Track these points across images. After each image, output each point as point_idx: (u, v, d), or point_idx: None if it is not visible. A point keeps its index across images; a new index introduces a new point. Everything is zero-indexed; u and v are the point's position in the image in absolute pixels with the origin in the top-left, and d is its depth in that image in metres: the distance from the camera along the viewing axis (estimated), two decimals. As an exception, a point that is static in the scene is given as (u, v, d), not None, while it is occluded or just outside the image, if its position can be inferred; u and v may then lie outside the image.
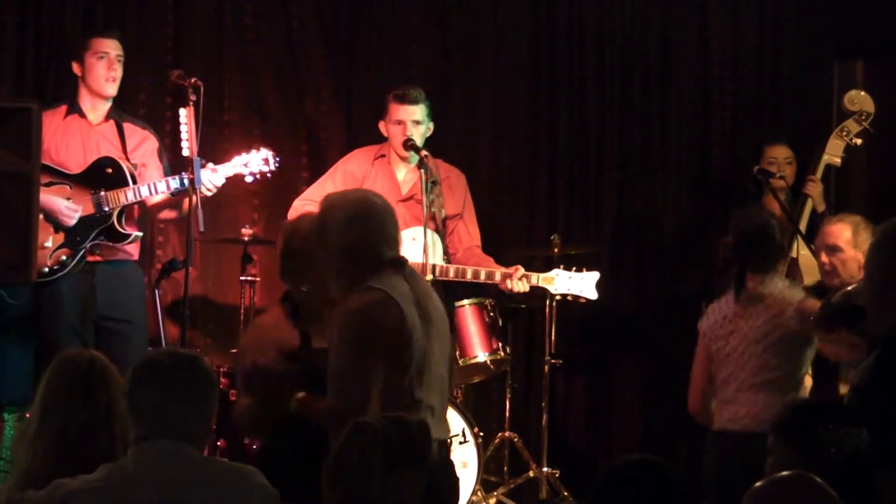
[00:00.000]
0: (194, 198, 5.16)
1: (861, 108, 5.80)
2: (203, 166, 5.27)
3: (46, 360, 3.19)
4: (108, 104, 5.56)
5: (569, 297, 5.79)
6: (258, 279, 5.83)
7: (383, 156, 5.79)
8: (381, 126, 5.76)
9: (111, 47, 5.47)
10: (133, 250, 5.54)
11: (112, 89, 5.50)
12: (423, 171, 5.45)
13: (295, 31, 6.59)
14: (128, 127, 5.58)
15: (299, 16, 6.59)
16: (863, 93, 5.88)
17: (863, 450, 2.86)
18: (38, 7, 6.22)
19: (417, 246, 5.58)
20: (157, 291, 5.69)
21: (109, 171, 5.40)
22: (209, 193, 5.41)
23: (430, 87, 6.27)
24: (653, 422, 6.82)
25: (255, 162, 5.49)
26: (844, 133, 5.80)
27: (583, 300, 5.76)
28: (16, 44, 6.19)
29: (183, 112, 5.34)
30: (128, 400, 2.95)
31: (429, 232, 5.59)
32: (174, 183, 5.36)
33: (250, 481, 2.96)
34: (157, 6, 6.39)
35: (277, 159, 5.53)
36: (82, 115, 5.51)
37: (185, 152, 5.31)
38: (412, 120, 5.65)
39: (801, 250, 5.63)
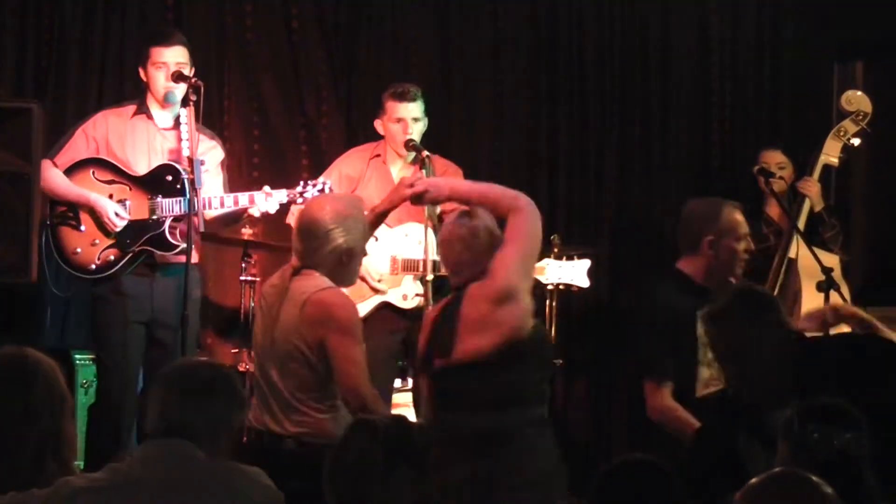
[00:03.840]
0: (195, 198, 5.16)
1: (858, 108, 5.80)
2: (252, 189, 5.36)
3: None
4: (177, 110, 5.46)
5: (561, 287, 5.79)
6: (258, 279, 5.82)
7: (378, 155, 5.80)
8: (378, 125, 5.77)
9: (171, 56, 5.38)
10: (192, 256, 5.37)
11: (175, 97, 5.39)
12: (424, 171, 5.45)
13: (295, 31, 6.59)
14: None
15: (299, 16, 6.59)
16: (859, 93, 5.88)
17: (847, 452, 2.88)
18: (38, 7, 6.22)
19: (410, 241, 5.61)
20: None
21: (169, 178, 5.33)
22: (256, 215, 5.41)
23: (430, 87, 6.27)
24: (653, 422, 6.81)
25: (310, 193, 5.38)
26: (842, 133, 5.81)
27: (575, 289, 5.75)
28: (16, 44, 6.19)
29: (183, 112, 5.34)
30: (146, 401, 2.96)
31: (425, 228, 5.60)
32: (228, 200, 5.33)
33: (255, 482, 2.96)
34: (157, 6, 6.39)
35: (330, 187, 5.44)
36: (150, 117, 5.44)
37: (186, 152, 5.30)
38: (412, 117, 5.67)
39: (800, 250, 5.63)
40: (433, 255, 5.40)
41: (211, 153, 5.53)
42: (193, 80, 5.29)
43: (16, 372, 3.05)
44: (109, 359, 5.33)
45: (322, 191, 5.39)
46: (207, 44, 6.45)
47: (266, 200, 5.35)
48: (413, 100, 5.67)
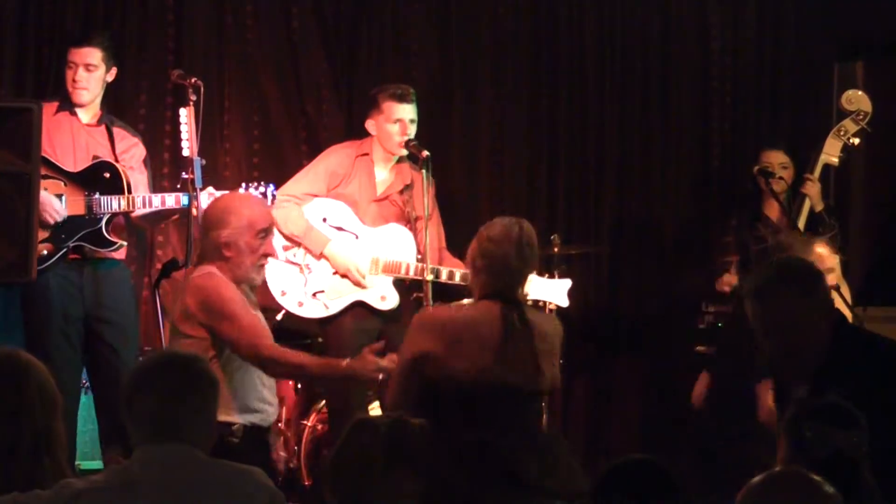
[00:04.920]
0: (195, 198, 5.17)
1: (858, 107, 5.80)
2: (203, 189, 5.29)
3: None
4: (97, 107, 5.53)
5: (540, 304, 5.81)
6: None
7: (366, 154, 5.80)
8: (369, 124, 5.74)
9: (79, 57, 5.44)
10: (118, 253, 5.50)
11: (81, 97, 5.46)
12: (424, 172, 5.46)
13: (295, 31, 6.58)
14: (118, 132, 5.55)
15: (299, 16, 6.59)
16: (860, 92, 5.89)
17: (846, 451, 2.88)
18: (38, 7, 6.22)
19: (392, 243, 5.64)
20: (157, 291, 5.68)
21: (107, 175, 5.38)
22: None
23: (430, 87, 6.28)
24: (652, 422, 6.83)
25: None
26: (842, 132, 5.80)
27: (553, 307, 5.77)
28: (16, 44, 6.19)
29: (183, 112, 5.34)
30: (127, 405, 2.95)
31: (406, 231, 5.61)
32: (170, 200, 5.35)
33: (255, 482, 2.96)
34: (157, 6, 6.39)
35: (274, 195, 5.49)
36: (73, 114, 5.49)
37: (186, 152, 5.30)
38: (409, 118, 5.68)
39: (800, 250, 5.63)
40: (407, 258, 5.46)
41: (133, 150, 5.58)
42: (193, 80, 5.30)
43: (8, 371, 3.06)
44: (40, 354, 5.29)
45: (263, 195, 5.42)
46: (207, 44, 6.45)
47: (209, 199, 5.36)
48: (411, 101, 5.69)
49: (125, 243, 5.49)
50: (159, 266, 5.85)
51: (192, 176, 5.20)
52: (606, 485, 2.74)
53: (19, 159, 4.89)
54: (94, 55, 5.46)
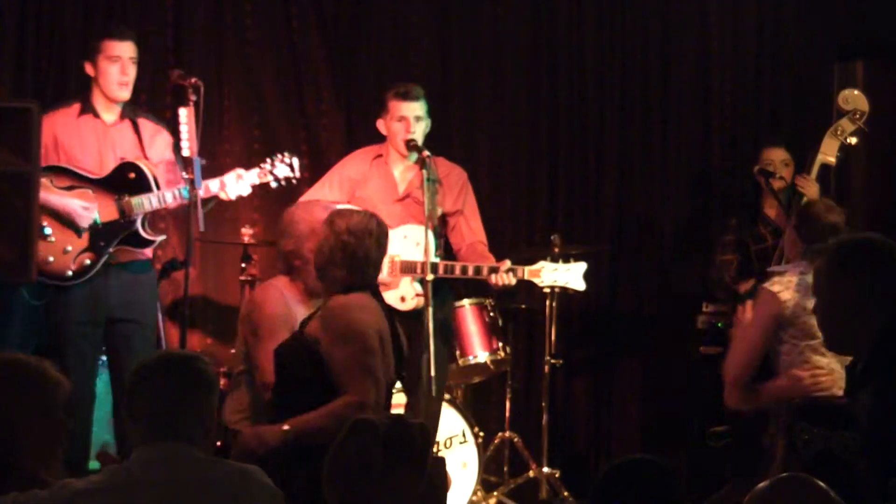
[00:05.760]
0: (194, 198, 5.17)
1: (855, 106, 5.80)
2: (216, 171, 5.35)
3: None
4: (120, 105, 5.48)
5: (556, 290, 5.77)
6: (258, 279, 5.83)
7: (381, 155, 5.80)
8: (380, 124, 5.75)
9: (124, 50, 5.36)
10: (148, 251, 5.48)
11: (125, 93, 5.39)
12: (424, 171, 5.45)
13: (295, 31, 6.59)
14: (143, 123, 5.50)
15: (299, 16, 6.59)
16: (857, 91, 5.88)
17: (832, 452, 2.88)
18: (38, 7, 6.22)
19: (408, 243, 5.61)
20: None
21: (132, 175, 5.32)
22: (233, 198, 5.42)
23: (430, 87, 6.26)
24: (652, 422, 6.83)
25: (280, 169, 5.43)
26: (839, 132, 5.80)
27: (571, 291, 5.73)
28: (16, 44, 6.19)
29: (183, 112, 5.33)
30: (127, 405, 2.95)
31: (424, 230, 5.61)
32: (200, 190, 5.28)
33: (254, 481, 2.96)
34: (157, 6, 6.39)
35: (298, 164, 5.49)
36: (97, 115, 5.41)
37: (186, 152, 5.30)
38: (414, 116, 5.67)
39: (799, 249, 5.63)
40: (433, 257, 5.43)
41: (159, 139, 5.52)
42: (193, 80, 5.30)
43: (7, 374, 3.08)
44: (57, 357, 5.27)
45: (291, 166, 5.42)
46: (207, 44, 6.45)
47: (237, 183, 5.35)
48: (416, 99, 5.67)
49: (164, 236, 5.55)
50: (159, 266, 5.86)
51: (192, 176, 5.20)
52: (606, 485, 2.74)
53: (19, 159, 4.90)
54: (134, 49, 5.41)
